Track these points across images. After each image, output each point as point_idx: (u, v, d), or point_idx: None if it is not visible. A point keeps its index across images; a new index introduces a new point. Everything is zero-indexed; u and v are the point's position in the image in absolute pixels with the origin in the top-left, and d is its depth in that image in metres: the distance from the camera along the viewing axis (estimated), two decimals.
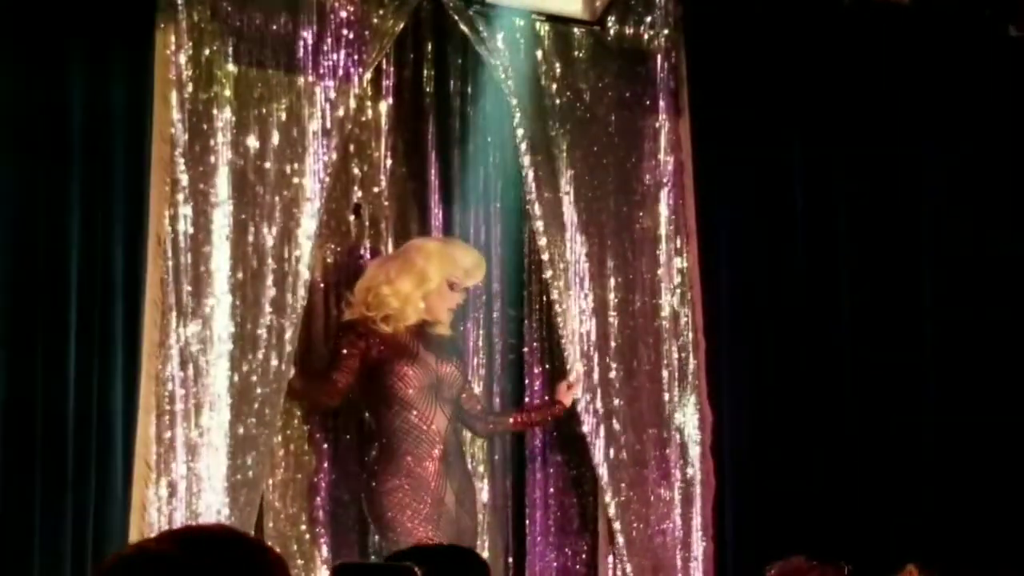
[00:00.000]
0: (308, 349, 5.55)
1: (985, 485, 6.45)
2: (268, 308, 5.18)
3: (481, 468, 5.85)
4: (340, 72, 5.37)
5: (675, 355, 5.95)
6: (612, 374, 5.83)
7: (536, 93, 5.77)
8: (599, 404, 5.76)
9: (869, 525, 6.22)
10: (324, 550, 5.58)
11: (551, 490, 5.94)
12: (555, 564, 5.94)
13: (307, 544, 5.55)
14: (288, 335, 5.20)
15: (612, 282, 5.87)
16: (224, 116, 5.18)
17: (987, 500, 6.42)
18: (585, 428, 5.76)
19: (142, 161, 5.06)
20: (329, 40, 5.37)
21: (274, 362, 5.16)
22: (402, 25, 5.55)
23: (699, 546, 5.91)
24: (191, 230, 5.09)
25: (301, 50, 5.33)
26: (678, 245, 6.00)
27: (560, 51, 5.85)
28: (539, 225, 5.73)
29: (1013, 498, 6.43)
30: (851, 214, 6.46)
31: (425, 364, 5.42)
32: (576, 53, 5.90)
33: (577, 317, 5.76)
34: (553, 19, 5.84)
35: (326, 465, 5.62)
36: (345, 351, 5.38)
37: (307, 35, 5.34)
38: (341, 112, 5.38)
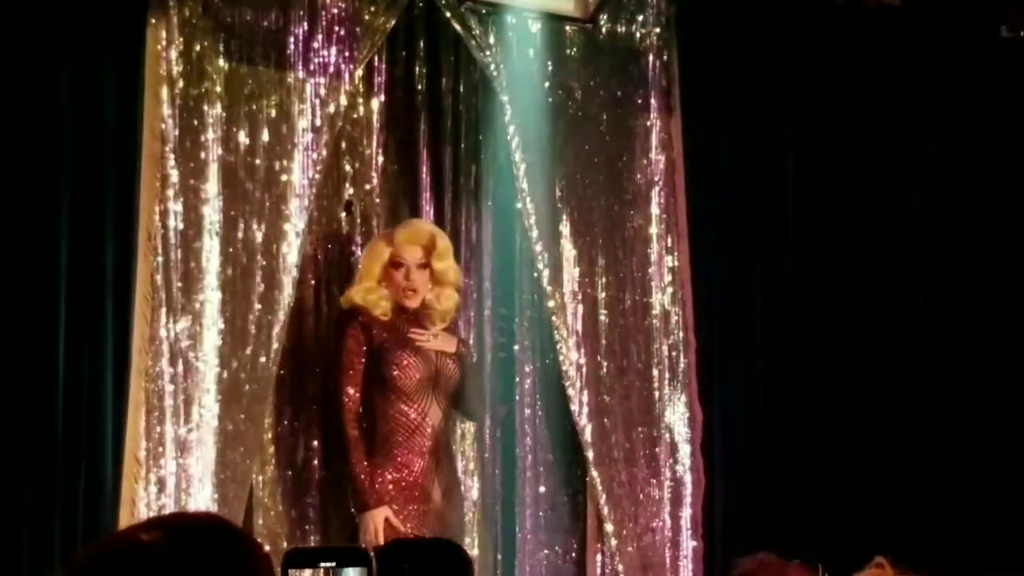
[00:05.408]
0: (298, 346, 5.54)
1: (981, 485, 6.45)
2: (257, 304, 5.18)
3: (472, 466, 5.83)
4: (331, 69, 5.37)
5: (665, 353, 5.95)
6: (603, 372, 5.82)
7: (528, 91, 5.77)
8: (589, 402, 5.76)
9: (859, 523, 6.21)
10: None
11: (541, 488, 5.91)
12: (545, 562, 5.92)
13: (297, 541, 5.53)
14: (277, 331, 5.20)
15: (603, 280, 5.87)
16: (215, 112, 5.19)
17: (982, 501, 6.43)
18: (575, 426, 5.76)
19: (133, 157, 5.06)
20: (320, 36, 5.37)
21: (263, 358, 5.17)
22: (394, 22, 5.55)
23: (688, 544, 5.90)
24: (181, 226, 5.09)
25: (292, 46, 5.33)
26: (669, 244, 6.00)
27: (552, 49, 5.85)
28: (530, 223, 5.73)
29: (1003, 498, 6.44)
30: (842, 213, 6.46)
31: (426, 355, 5.41)
32: (568, 51, 5.90)
33: (568, 315, 5.76)
34: (545, 17, 5.84)
35: (316, 462, 5.59)
36: (350, 357, 5.35)
37: (298, 31, 5.34)
38: (332, 109, 5.38)
